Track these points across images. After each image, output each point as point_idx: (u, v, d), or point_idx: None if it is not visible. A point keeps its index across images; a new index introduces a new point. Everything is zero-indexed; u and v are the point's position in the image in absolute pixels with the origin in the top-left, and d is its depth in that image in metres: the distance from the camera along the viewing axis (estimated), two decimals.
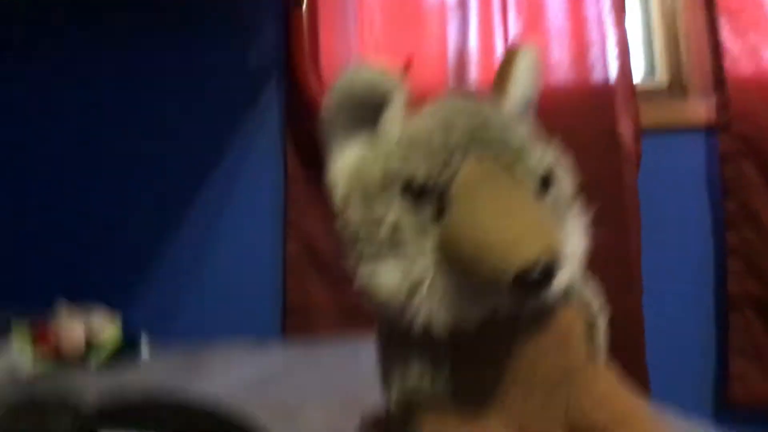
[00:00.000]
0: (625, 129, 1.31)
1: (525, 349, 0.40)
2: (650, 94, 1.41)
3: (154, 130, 1.53)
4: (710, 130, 1.37)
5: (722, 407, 1.33)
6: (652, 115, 1.36)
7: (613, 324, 1.46)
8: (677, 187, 1.37)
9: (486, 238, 0.35)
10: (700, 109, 1.38)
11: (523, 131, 0.42)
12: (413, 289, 0.37)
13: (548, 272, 0.34)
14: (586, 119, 1.32)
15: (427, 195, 0.38)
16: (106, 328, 1.19)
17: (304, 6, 1.39)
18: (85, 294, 1.28)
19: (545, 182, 0.40)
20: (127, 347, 1.20)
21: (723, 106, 1.34)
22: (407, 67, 1.40)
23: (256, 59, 1.51)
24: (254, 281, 1.49)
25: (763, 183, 1.29)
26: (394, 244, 0.38)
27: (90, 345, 1.15)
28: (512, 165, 0.39)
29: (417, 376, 0.40)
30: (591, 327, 0.44)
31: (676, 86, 1.42)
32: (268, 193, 1.49)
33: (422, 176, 0.38)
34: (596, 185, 1.25)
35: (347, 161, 0.42)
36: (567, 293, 0.42)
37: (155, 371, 1.10)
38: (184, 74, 1.52)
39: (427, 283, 0.37)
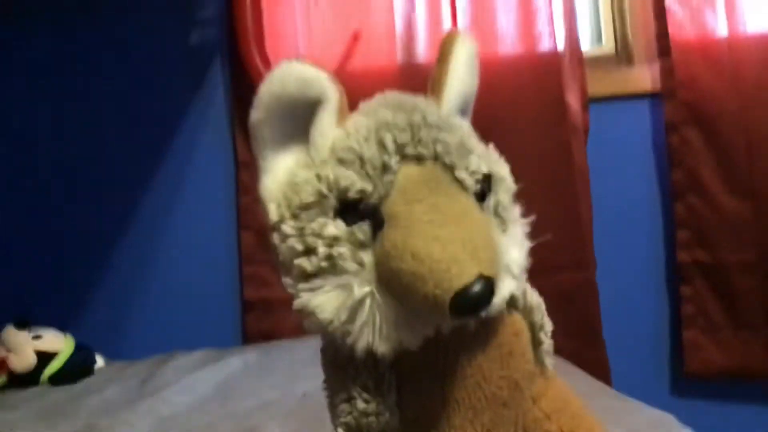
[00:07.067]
0: (573, 99, 1.31)
1: (470, 367, 0.39)
2: (596, 62, 1.41)
3: (91, 125, 1.46)
4: (656, 98, 1.37)
5: (679, 379, 1.35)
6: (598, 83, 1.36)
7: (570, 300, 1.44)
8: (625, 157, 1.37)
9: (420, 264, 0.34)
10: (645, 76, 1.38)
11: (462, 130, 0.41)
12: (353, 312, 0.36)
13: (487, 291, 0.33)
14: (533, 90, 1.31)
15: (362, 211, 0.37)
16: (57, 344, 1.19)
17: None
18: (34, 318, 1.25)
19: (485, 185, 0.40)
20: (80, 364, 1.18)
21: (668, 72, 1.33)
22: (354, 42, 1.37)
23: (199, 38, 1.45)
24: (209, 277, 1.43)
25: (708, 150, 1.29)
26: (332, 263, 0.37)
27: (41, 362, 1.16)
28: (451, 166, 0.38)
29: (363, 402, 0.39)
30: (538, 332, 0.43)
31: (623, 53, 1.42)
32: (219, 181, 1.43)
33: (356, 192, 0.37)
34: (545, 157, 1.26)
35: (279, 175, 0.40)
36: (511, 301, 0.41)
37: (109, 387, 1.07)
38: (120, 58, 1.45)
39: (367, 304, 0.36)
